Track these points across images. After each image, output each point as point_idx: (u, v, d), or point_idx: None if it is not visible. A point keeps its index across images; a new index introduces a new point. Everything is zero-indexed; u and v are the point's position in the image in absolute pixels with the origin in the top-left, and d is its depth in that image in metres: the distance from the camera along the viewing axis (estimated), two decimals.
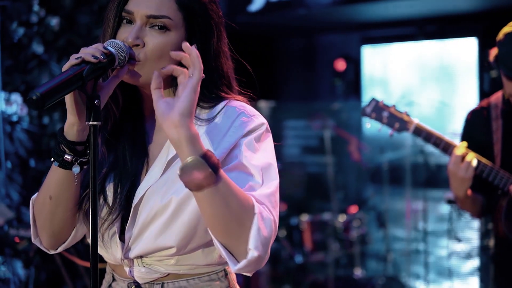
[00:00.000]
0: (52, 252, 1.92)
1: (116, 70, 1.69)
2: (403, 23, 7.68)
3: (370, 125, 3.11)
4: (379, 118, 3.05)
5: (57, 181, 1.75)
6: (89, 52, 1.60)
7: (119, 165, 1.84)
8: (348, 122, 7.56)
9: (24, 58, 5.62)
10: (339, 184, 7.50)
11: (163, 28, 1.72)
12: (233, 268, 1.58)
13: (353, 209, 7.08)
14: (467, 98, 7.31)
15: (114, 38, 1.75)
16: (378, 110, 3.05)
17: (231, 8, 7.34)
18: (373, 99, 3.08)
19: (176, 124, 1.51)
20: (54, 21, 5.66)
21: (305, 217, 6.69)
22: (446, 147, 2.92)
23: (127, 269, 1.84)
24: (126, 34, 1.72)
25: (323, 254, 6.62)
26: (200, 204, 1.56)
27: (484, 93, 7.03)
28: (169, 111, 1.52)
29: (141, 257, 1.81)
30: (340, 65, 8.14)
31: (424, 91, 7.68)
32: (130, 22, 1.75)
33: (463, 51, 7.59)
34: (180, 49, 1.71)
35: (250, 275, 1.63)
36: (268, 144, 1.80)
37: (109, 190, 1.82)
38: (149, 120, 1.88)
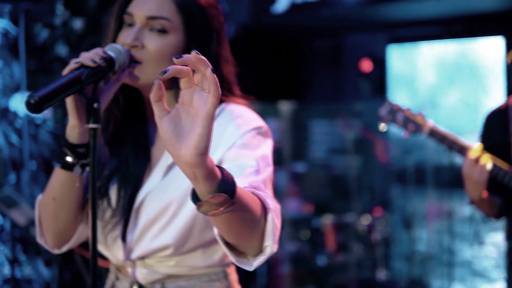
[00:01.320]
0: (56, 251, 1.98)
1: (116, 74, 1.72)
2: (429, 23, 7.63)
3: (385, 128, 3.12)
4: (394, 121, 3.07)
5: (60, 183, 1.80)
6: (88, 57, 1.64)
7: (122, 168, 1.88)
8: (374, 123, 7.53)
9: (48, 60, 5.69)
10: (364, 185, 7.48)
11: (162, 30, 1.75)
12: (249, 268, 1.55)
13: (378, 210, 7.06)
14: (494, 98, 7.24)
15: (115, 40, 1.78)
16: (393, 113, 3.06)
17: (256, 10, 7.37)
18: (387, 102, 3.09)
19: (193, 164, 1.26)
20: (78, 23, 5.72)
21: (328, 219, 6.68)
22: (461, 149, 2.92)
23: (129, 269, 1.89)
24: (126, 35, 1.75)
25: (346, 255, 6.62)
26: (216, 223, 1.46)
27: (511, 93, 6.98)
28: (180, 144, 1.26)
29: (142, 258, 1.84)
30: (366, 65, 8.11)
31: (450, 91, 7.63)
32: (131, 25, 1.78)
33: (490, 51, 7.52)
34: (179, 52, 1.74)
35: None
36: (265, 144, 1.79)
37: (113, 193, 1.88)
38: (151, 122, 1.91)
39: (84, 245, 2.05)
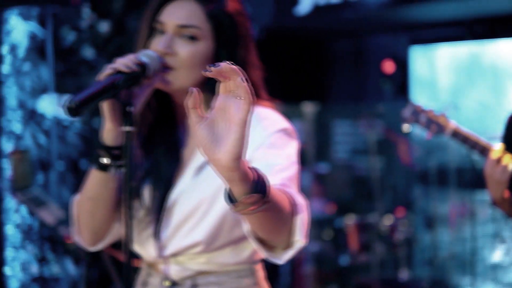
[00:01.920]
0: (91, 248, 2.06)
1: (149, 79, 1.79)
2: (451, 24, 7.60)
3: (409, 129, 3.17)
4: (417, 121, 3.11)
5: (96, 183, 1.88)
6: (123, 63, 1.71)
7: (154, 169, 1.95)
8: (396, 124, 7.54)
9: (75, 63, 5.75)
10: (386, 186, 7.50)
11: (192, 37, 1.82)
12: (278, 261, 1.64)
13: (400, 211, 7.07)
14: None
15: (147, 47, 1.85)
16: (416, 113, 3.11)
17: (278, 12, 7.40)
18: (410, 103, 3.14)
19: (229, 168, 1.32)
20: (104, 26, 5.79)
21: (351, 219, 6.71)
22: (483, 150, 2.96)
23: (162, 266, 1.96)
24: (158, 43, 1.82)
25: (368, 255, 6.64)
26: (249, 220, 1.54)
27: None
28: (215, 148, 1.31)
29: (174, 255, 1.92)
30: (388, 66, 8.11)
31: (471, 93, 7.62)
32: (162, 32, 1.85)
33: None
34: (209, 59, 1.82)
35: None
36: (291, 144, 1.86)
37: (146, 194, 1.96)
38: (181, 126, 1.98)
39: (112, 244, 2.13)
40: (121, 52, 5.56)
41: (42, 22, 5.38)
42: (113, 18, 5.93)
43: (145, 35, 1.91)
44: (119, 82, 1.68)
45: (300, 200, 1.62)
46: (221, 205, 1.84)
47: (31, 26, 5.34)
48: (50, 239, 5.24)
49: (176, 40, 1.84)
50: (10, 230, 5.20)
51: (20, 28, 5.27)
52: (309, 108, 7.21)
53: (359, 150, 8.24)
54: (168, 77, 1.82)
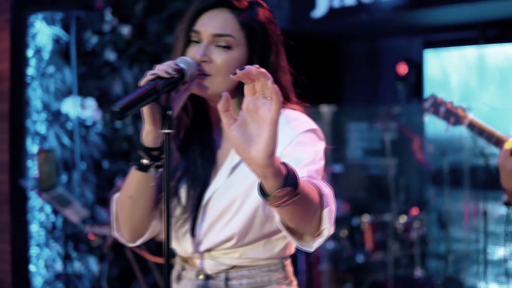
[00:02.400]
0: (131, 245, 2.14)
1: (186, 84, 1.89)
2: (465, 27, 7.62)
3: (428, 119, 3.30)
4: (436, 113, 3.24)
5: (136, 182, 1.97)
6: (163, 69, 1.80)
7: (190, 170, 2.06)
8: (410, 125, 7.62)
9: (98, 65, 5.85)
10: (400, 186, 7.56)
11: (227, 46, 1.93)
12: (309, 249, 1.73)
13: (414, 210, 7.14)
14: None
15: (183, 55, 1.96)
16: (436, 105, 3.24)
17: (295, 15, 7.48)
18: (432, 95, 3.26)
19: (263, 165, 1.43)
20: (126, 30, 5.88)
21: (366, 218, 6.79)
22: (497, 142, 3.06)
23: (197, 261, 2.06)
24: (194, 51, 1.94)
25: (383, 254, 6.72)
26: (281, 212, 1.60)
27: None
28: (249, 147, 1.43)
29: (209, 250, 2.03)
30: (402, 68, 8.15)
31: (485, 96, 7.66)
32: (197, 41, 1.96)
33: None
34: (242, 65, 1.92)
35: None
36: (318, 144, 1.96)
37: (182, 193, 2.06)
38: (215, 128, 2.10)
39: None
40: (142, 55, 5.68)
41: (66, 26, 5.47)
42: (134, 22, 6.03)
43: (182, 44, 1.99)
44: (159, 87, 1.77)
45: (327, 190, 1.73)
46: (252, 202, 1.95)
47: (55, 30, 5.43)
48: (74, 237, 5.33)
49: (211, 49, 1.93)
50: (34, 228, 5.31)
51: (44, 32, 5.36)
52: (325, 109, 7.31)
53: (374, 151, 8.32)
54: (205, 83, 1.92)
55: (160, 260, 4.38)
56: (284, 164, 1.50)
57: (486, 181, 6.63)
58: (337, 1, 7.13)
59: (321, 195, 1.68)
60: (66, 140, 5.46)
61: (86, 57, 5.81)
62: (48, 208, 5.30)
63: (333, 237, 6.86)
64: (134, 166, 1.94)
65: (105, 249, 4.58)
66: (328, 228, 1.68)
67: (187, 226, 2.05)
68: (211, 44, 1.94)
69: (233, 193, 1.98)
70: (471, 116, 3.16)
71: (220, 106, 1.44)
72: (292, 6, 7.48)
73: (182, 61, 1.87)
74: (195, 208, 2.05)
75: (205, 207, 2.02)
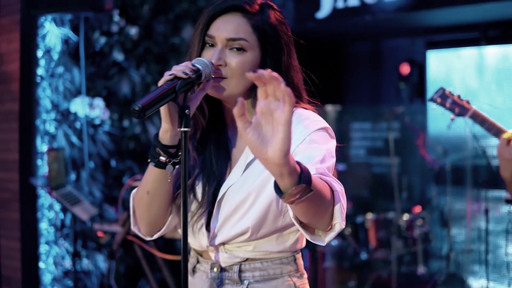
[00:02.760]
0: (148, 238, 2.23)
1: (202, 84, 1.97)
2: (466, 28, 7.67)
3: (435, 109, 3.45)
4: (443, 104, 3.41)
5: (153, 179, 2.04)
6: (180, 69, 1.88)
7: (206, 167, 2.14)
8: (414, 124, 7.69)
9: (106, 65, 5.91)
10: (403, 184, 7.63)
11: (241, 49, 2.00)
12: (322, 243, 1.82)
13: (417, 209, 7.21)
14: None
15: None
16: (444, 97, 3.42)
17: (300, 16, 7.53)
18: (441, 88, 3.43)
19: (280, 164, 1.49)
20: (133, 30, 5.95)
21: (370, 216, 6.86)
22: (497, 132, 3.22)
23: (212, 254, 2.14)
24: (210, 55, 2.02)
25: (387, 251, 6.79)
26: (294, 207, 1.68)
27: None
28: (265, 148, 1.50)
29: (223, 244, 2.11)
30: (405, 69, 8.21)
31: (487, 96, 7.68)
32: (212, 45, 2.04)
33: None
34: (256, 67, 2.01)
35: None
36: (330, 142, 2.03)
37: (198, 188, 2.13)
38: (230, 128, 2.18)
39: (143, 239, 2.31)
40: (149, 55, 5.74)
41: (74, 27, 5.54)
42: (141, 23, 6.10)
43: (196, 48, 2.06)
44: (177, 87, 1.84)
45: (338, 186, 1.81)
46: (266, 197, 2.01)
47: (64, 31, 5.50)
48: (82, 235, 5.40)
49: (226, 52, 2.00)
50: (44, 226, 5.37)
51: (54, 33, 5.42)
52: (329, 109, 7.37)
53: (377, 150, 8.38)
54: (221, 85, 2.00)
55: (169, 257, 4.45)
56: (297, 162, 1.57)
57: (488, 179, 6.71)
58: (341, 2, 7.19)
59: (332, 191, 1.76)
60: (74, 139, 5.53)
61: (95, 58, 5.88)
62: (57, 206, 5.37)
63: (338, 234, 6.91)
64: (151, 163, 2.01)
65: (114, 246, 4.64)
66: (339, 223, 1.76)
67: (202, 221, 2.12)
68: (225, 48, 2.01)
69: (247, 189, 2.04)
70: (475, 107, 3.31)
71: (236, 111, 1.50)
72: (297, 7, 7.53)
73: (198, 62, 1.94)
74: (211, 203, 2.11)
75: (220, 202, 2.09)
